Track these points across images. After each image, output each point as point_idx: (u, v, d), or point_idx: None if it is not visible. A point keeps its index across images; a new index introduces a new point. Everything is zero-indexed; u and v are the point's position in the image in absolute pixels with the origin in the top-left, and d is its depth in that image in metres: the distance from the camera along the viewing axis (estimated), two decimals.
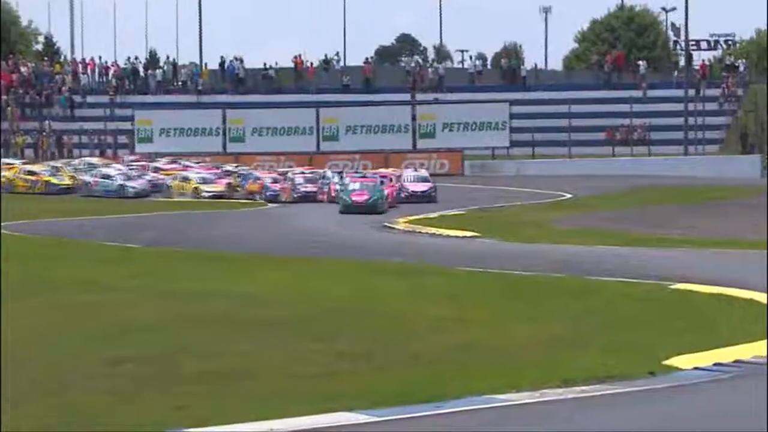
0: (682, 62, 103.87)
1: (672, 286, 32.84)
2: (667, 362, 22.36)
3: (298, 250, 44.21)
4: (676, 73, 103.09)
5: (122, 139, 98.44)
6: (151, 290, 31.45)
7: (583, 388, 19.81)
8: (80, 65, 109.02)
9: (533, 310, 29.98)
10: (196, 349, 22.96)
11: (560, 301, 31.93)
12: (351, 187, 68.44)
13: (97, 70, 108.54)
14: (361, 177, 73.29)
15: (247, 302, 29.36)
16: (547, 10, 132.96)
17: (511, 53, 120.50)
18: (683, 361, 22.28)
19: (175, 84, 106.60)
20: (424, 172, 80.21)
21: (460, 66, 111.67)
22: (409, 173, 79.54)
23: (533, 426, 17.97)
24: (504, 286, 33.95)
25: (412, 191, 74.62)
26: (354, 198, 64.28)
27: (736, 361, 22.30)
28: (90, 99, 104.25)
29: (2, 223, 51.46)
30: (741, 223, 55.67)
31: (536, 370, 21.20)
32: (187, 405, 17.87)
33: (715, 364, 22.11)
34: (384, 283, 34.11)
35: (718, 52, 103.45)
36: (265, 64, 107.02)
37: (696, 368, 21.80)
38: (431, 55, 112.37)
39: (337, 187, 68.96)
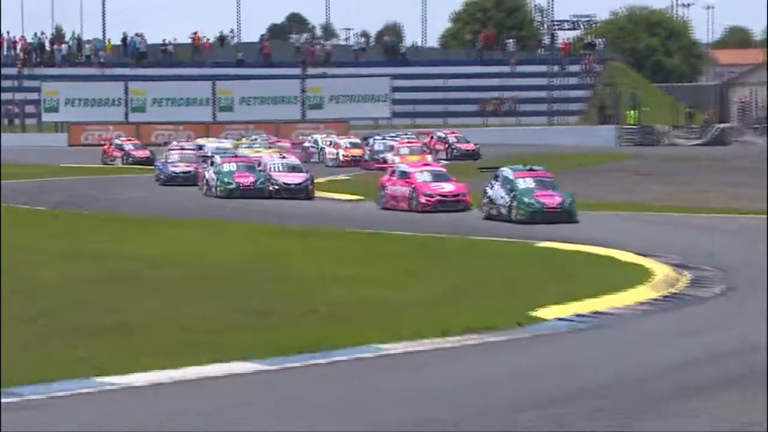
0: (546, 41, 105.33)
1: (538, 244, 33.54)
2: (534, 314, 22.74)
3: (200, 214, 43.25)
4: (541, 50, 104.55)
5: (30, 108, 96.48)
6: (57, 251, 30.89)
7: (459, 338, 20.20)
8: None
9: (421, 269, 30.17)
10: (99, 306, 22.74)
11: (446, 259, 32.62)
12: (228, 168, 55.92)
13: (5, 44, 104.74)
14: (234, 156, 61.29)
15: (150, 263, 28.91)
16: None
17: (392, 31, 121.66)
18: (548, 313, 22.80)
19: (80, 58, 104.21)
20: (293, 159, 61.69)
21: (346, 43, 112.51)
22: (275, 160, 59.98)
23: (411, 372, 18.40)
24: (397, 247, 34.05)
25: (284, 184, 56.61)
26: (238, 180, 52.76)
27: (594, 312, 23.00)
28: None
29: None
30: (602, 187, 56.47)
31: (420, 322, 21.55)
32: (90, 356, 17.86)
33: (576, 315, 22.78)
34: (283, 244, 33.92)
35: (579, 32, 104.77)
36: (164, 40, 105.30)
37: (558, 319, 22.50)
38: (319, 32, 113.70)
39: (211, 172, 54.66)
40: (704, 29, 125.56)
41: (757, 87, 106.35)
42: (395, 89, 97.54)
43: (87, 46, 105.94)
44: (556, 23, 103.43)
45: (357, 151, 72.34)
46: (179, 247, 33.84)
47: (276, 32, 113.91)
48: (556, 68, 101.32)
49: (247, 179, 52.62)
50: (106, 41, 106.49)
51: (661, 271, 29.72)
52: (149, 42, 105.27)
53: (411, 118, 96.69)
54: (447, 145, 77.90)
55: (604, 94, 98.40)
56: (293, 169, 56.56)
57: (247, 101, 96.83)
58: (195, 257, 31.52)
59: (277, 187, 54.17)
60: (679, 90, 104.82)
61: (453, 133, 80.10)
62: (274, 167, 56.14)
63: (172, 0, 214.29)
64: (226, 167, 53.11)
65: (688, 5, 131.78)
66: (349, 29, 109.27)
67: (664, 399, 17.66)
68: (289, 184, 54.57)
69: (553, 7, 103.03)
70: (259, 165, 56.07)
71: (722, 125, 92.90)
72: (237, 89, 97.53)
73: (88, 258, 30.30)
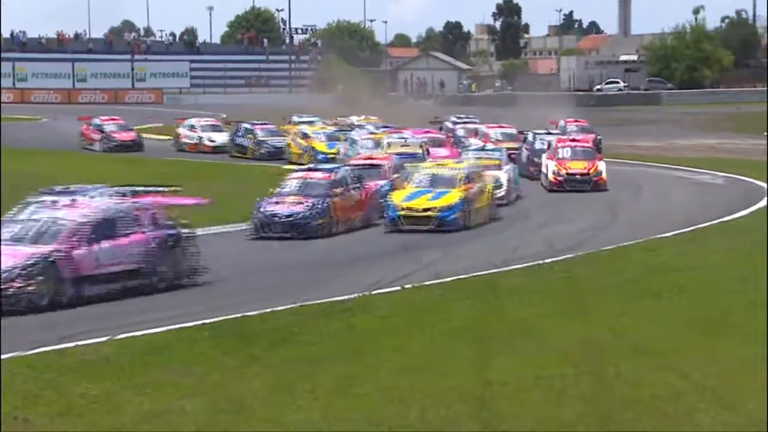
0: (287, 40, 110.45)
1: None
2: None
3: None
4: (284, 46, 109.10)
5: None
6: None
7: None
8: None
9: None
10: None
11: None
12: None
13: None
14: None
15: None
16: (211, 9, 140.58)
17: (190, 32, 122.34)
18: None
19: None
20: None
21: (160, 39, 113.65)
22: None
23: None
24: None
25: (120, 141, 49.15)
26: None
27: None
28: None
29: None
30: None
31: None
32: None
33: None
34: None
35: (307, 35, 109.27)
36: (39, 35, 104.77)
37: None
38: (143, 32, 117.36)
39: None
40: (383, 35, 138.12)
41: (413, 71, 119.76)
42: (192, 69, 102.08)
43: None
44: (293, 29, 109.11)
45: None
46: None
47: (114, 32, 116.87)
48: (293, 57, 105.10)
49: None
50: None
51: None
52: (29, 36, 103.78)
53: (202, 89, 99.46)
54: (102, 135, 51.19)
55: (323, 75, 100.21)
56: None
57: (96, 76, 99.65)
58: None
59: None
60: (370, 73, 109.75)
61: (114, 119, 53.92)
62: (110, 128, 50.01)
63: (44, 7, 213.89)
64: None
65: (372, 21, 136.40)
66: (162, 30, 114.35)
67: None
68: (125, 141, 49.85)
69: (290, 19, 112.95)
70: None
71: (393, 94, 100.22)
72: (90, 67, 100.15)
73: None
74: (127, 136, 51.87)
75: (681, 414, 10.61)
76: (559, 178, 34.61)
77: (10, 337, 14.88)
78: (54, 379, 12.61)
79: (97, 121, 52.60)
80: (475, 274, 19.98)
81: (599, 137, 43.51)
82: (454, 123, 51.47)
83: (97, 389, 11.92)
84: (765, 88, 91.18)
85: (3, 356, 13.64)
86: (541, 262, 21.16)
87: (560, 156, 35.40)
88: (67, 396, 11.73)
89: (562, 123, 48.08)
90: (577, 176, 34.52)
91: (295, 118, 53.48)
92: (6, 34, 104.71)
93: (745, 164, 40.57)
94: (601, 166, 34.86)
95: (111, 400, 11.46)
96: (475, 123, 50.13)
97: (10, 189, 22.64)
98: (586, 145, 36.61)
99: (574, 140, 37.34)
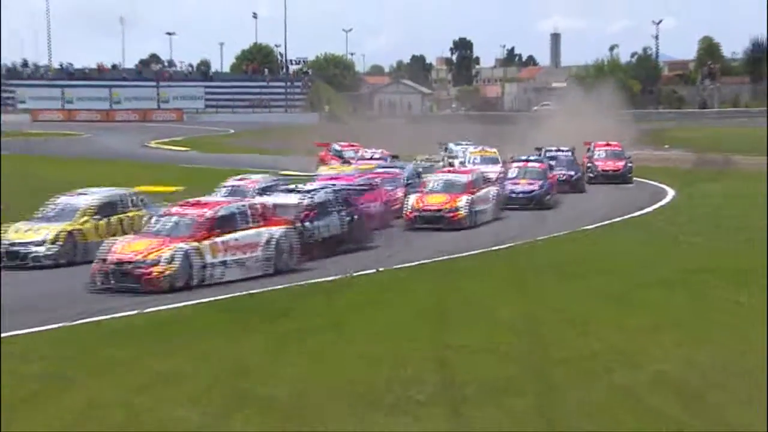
0: (284, 70, 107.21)
1: None
2: None
3: None
4: (281, 74, 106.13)
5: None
6: None
7: None
8: None
9: None
10: None
11: None
12: None
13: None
14: None
15: None
16: (222, 44, 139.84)
17: (204, 63, 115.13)
18: None
19: (39, 74, 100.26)
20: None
21: (180, 69, 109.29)
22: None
23: None
24: None
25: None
26: None
27: None
28: None
29: None
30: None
31: None
32: None
33: None
34: None
35: (300, 65, 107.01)
36: (83, 66, 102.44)
37: None
38: (166, 63, 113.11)
39: None
40: (362, 65, 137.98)
41: (386, 95, 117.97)
42: (206, 93, 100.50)
43: (43, 68, 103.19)
44: (289, 60, 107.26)
45: None
46: None
47: (143, 63, 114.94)
48: (289, 83, 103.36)
49: None
50: (50, 65, 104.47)
51: None
52: (75, 67, 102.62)
53: (215, 109, 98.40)
54: (342, 160, 38.06)
55: (313, 98, 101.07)
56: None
57: (128, 99, 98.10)
58: None
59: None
60: (351, 96, 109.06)
61: (353, 146, 41.82)
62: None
63: (82, 37, 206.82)
64: None
65: (353, 54, 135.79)
66: (182, 61, 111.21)
67: None
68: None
69: (286, 52, 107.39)
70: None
71: (369, 113, 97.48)
72: (123, 92, 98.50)
73: None
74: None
75: (599, 370, 10.68)
76: (413, 214, 25.61)
77: (62, 312, 14.58)
78: (89, 345, 12.50)
79: (336, 147, 42.20)
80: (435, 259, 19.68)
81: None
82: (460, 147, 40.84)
83: (123, 353, 11.79)
84: (666, 110, 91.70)
85: (55, 325, 13.39)
86: (488, 249, 20.93)
87: (428, 188, 26.74)
88: (97, 359, 11.64)
89: (592, 146, 38.82)
90: (430, 212, 25.58)
91: (452, 146, 41.22)
92: (56, 65, 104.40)
93: (653, 171, 40.05)
94: (461, 201, 25.57)
95: (133, 363, 11.35)
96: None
97: (59, 190, 21.97)
98: (457, 177, 27.13)
99: (451, 171, 29.25)
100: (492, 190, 27.41)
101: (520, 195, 29.54)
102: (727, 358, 10.99)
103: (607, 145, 37.67)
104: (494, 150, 36.12)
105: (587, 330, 12.51)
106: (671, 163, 41.52)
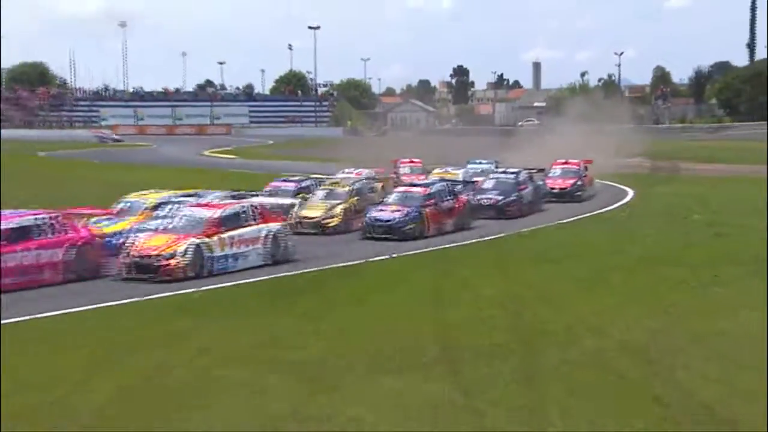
0: (313, 91, 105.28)
1: None
2: None
3: None
4: (312, 94, 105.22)
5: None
6: None
7: None
8: None
9: None
10: None
11: None
12: None
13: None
14: None
15: None
16: (263, 71, 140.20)
17: (249, 87, 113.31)
18: None
19: (117, 94, 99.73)
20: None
21: (230, 90, 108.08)
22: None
23: None
24: None
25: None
26: None
27: None
28: None
29: None
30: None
31: None
32: None
33: None
34: None
35: (328, 87, 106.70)
36: (151, 89, 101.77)
37: None
38: (218, 87, 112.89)
39: None
40: (377, 87, 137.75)
41: (398, 113, 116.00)
42: (250, 112, 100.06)
43: (120, 92, 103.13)
44: (318, 84, 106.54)
45: None
46: None
47: (200, 86, 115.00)
48: (317, 103, 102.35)
49: None
50: (126, 89, 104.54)
51: None
52: (146, 90, 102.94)
53: (258, 124, 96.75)
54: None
55: (337, 115, 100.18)
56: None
57: (188, 116, 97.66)
58: None
59: None
60: (369, 113, 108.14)
61: (413, 162, 32.94)
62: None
63: (146, 62, 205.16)
64: None
65: (370, 78, 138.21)
66: (231, 85, 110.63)
67: None
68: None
69: (316, 77, 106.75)
70: None
71: (384, 128, 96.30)
72: (184, 111, 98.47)
73: None
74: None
75: (572, 339, 10.58)
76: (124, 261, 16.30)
77: (129, 291, 14.49)
78: (154, 317, 12.45)
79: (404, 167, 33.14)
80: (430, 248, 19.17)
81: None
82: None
83: (181, 325, 11.73)
84: (624, 126, 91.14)
85: (126, 301, 13.31)
86: (476, 240, 20.41)
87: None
88: (156, 330, 11.50)
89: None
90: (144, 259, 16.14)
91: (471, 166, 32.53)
92: (131, 89, 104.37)
93: (620, 176, 39.74)
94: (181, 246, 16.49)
95: (185, 334, 11.21)
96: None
97: (134, 190, 21.56)
98: (198, 213, 17.47)
99: (203, 204, 18.60)
100: (273, 228, 17.81)
101: (377, 224, 20.79)
102: (679, 328, 10.92)
103: (566, 163, 30.65)
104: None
105: (561, 306, 12.41)
106: (632, 170, 40.41)
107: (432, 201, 21.61)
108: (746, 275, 14.18)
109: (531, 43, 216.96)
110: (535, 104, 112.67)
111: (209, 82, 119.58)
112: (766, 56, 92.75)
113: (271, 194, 23.32)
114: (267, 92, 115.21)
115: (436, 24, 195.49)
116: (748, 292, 12.86)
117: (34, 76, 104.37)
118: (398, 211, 20.98)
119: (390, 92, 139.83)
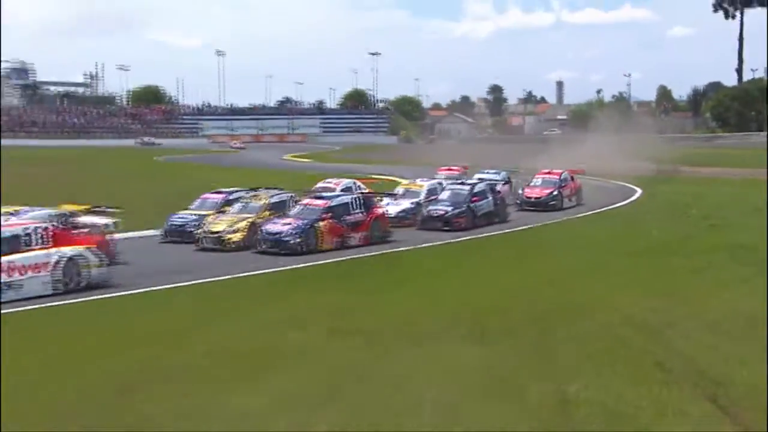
0: (374, 106, 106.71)
1: None
2: None
3: None
4: (373, 107, 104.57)
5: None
6: None
7: None
8: None
9: None
10: None
11: None
12: None
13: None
14: None
15: None
16: (333, 89, 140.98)
17: (320, 103, 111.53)
18: None
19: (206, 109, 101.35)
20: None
21: (305, 106, 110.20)
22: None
23: None
24: None
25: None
26: None
27: None
28: None
29: None
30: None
31: None
32: None
33: None
34: None
35: (384, 103, 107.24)
36: (228, 103, 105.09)
37: None
38: (294, 103, 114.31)
39: None
40: (426, 102, 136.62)
41: (443, 124, 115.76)
42: (321, 123, 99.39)
43: (217, 108, 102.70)
44: (377, 100, 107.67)
45: None
46: None
47: (282, 102, 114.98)
48: (376, 116, 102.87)
49: None
50: (222, 105, 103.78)
51: None
52: (237, 105, 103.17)
53: (328, 134, 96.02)
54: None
55: (393, 125, 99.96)
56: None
57: (271, 127, 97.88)
58: None
59: None
60: (419, 124, 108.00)
61: (450, 169, 29.11)
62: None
63: (238, 82, 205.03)
64: None
65: (420, 95, 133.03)
66: (306, 101, 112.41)
67: None
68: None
69: (376, 94, 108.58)
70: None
71: (432, 137, 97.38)
72: (267, 123, 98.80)
73: None
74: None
75: (583, 313, 10.15)
76: None
77: (213, 270, 13.72)
78: (220, 294, 11.78)
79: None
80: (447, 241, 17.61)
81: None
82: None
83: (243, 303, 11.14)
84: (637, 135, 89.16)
85: (201, 280, 12.59)
86: (493, 233, 19.06)
87: None
88: (211, 307, 10.96)
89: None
90: None
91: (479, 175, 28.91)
92: (226, 105, 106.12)
93: (630, 177, 38.49)
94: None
95: (251, 309, 10.75)
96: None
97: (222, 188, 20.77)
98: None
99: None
100: (67, 252, 12.73)
101: (266, 237, 16.85)
102: (679, 306, 10.44)
103: (548, 173, 26.00)
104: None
105: (568, 287, 11.82)
106: (639, 172, 39.03)
107: (329, 214, 17.27)
108: (733, 260, 13.86)
109: (555, 65, 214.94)
110: (558, 117, 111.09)
111: (288, 99, 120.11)
112: (752, 77, 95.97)
113: (199, 207, 18.74)
114: (335, 107, 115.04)
115: (476, 49, 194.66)
116: (737, 274, 12.59)
117: (151, 96, 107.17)
118: (289, 224, 16.81)
119: (437, 106, 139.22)
